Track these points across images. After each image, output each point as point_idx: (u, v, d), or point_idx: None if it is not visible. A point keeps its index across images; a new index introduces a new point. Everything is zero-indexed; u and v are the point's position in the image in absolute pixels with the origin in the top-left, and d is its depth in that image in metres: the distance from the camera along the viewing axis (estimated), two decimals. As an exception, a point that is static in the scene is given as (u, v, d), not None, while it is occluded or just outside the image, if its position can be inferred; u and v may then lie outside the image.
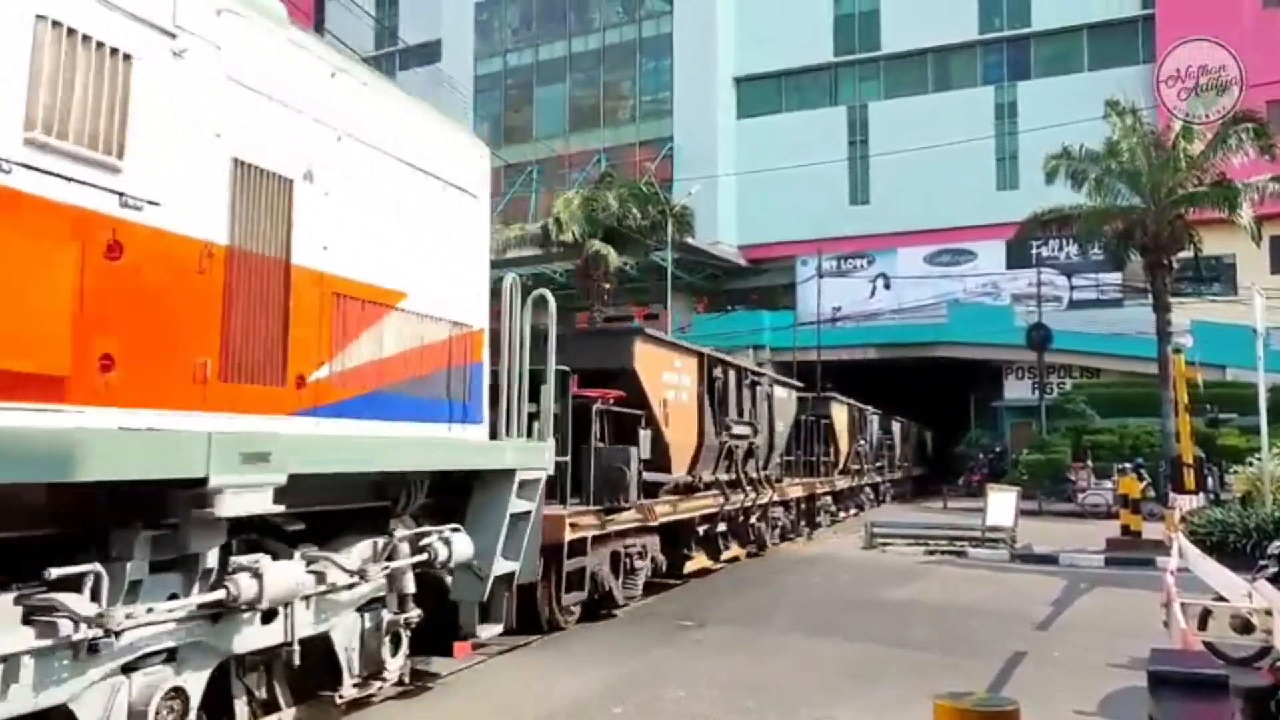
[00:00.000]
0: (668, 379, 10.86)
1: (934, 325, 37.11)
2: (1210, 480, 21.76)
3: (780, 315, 40.02)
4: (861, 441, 24.12)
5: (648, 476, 10.03)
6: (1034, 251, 35.31)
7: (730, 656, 8.32)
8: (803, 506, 18.13)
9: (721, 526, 13.12)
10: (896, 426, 32.04)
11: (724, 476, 12.80)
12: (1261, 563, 8.34)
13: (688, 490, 11.72)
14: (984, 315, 36.62)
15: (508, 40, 47.79)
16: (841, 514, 22.38)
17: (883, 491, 28.97)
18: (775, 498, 15.46)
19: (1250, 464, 17.24)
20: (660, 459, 10.56)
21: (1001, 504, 17.12)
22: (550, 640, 8.70)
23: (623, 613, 10.13)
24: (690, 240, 34.29)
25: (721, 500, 12.65)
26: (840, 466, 21.78)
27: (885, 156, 39.42)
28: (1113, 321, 34.05)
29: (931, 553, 16.29)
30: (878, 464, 27.58)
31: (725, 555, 13.70)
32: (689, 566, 12.39)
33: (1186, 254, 27.11)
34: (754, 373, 14.66)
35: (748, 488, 13.58)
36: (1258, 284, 16.37)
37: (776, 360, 36.86)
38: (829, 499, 20.70)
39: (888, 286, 40.01)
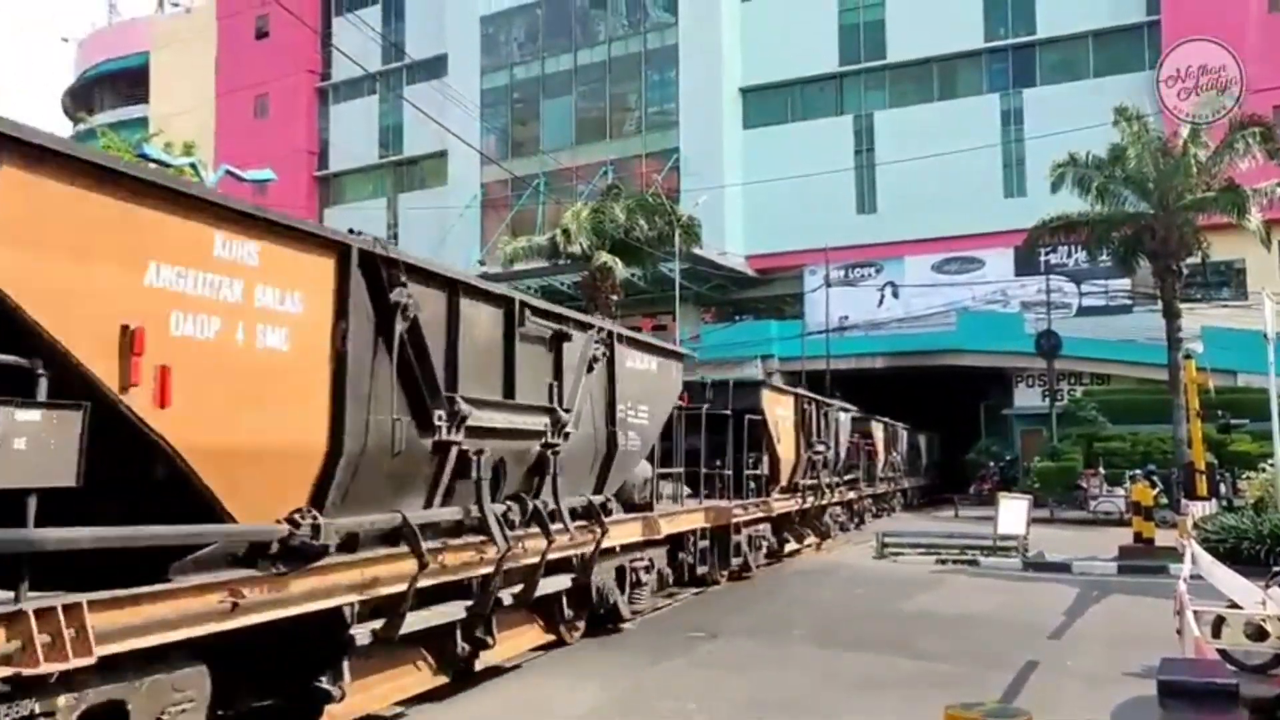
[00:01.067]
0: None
1: (943, 333, 37.00)
2: (1223, 486, 21.70)
3: (788, 325, 39.97)
4: (821, 447, 18.00)
5: None
6: (1042, 259, 35.22)
7: (742, 668, 8.29)
8: (700, 546, 12.14)
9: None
10: (879, 429, 27.33)
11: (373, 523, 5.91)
12: (1275, 569, 8.29)
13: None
14: (993, 323, 36.52)
15: (514, 54, 47.94)
16: (790, 545, 16.76)
17: (860, 509, 24.20)
18: (606, 544, 8.82)
19: (1263, 469, 17.18)
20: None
21: (1013, 512, 17.04)
22: (555, 655, 8.68)
23: (631, 625, 10.11)
24: (697, 251, 34.27)
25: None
26: (783, 482, 15.84)
27: (892, 165, 39.37)
28: (1122, 328, 33.96)
29: (943, 562, 16.22)
30: (849, 476, 22.13)
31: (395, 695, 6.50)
32: None
33: (1195, 260, 27.05)
34: (560, 317, 8.15)
35: (483, 539, 6.84)
36: (1268, 288, 16.30)
37: (785, 370, 36.83)
38: (764, 527, 15.01)
39: (896, 295, 39.93)
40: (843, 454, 20.82)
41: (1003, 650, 8.91)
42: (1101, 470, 27.59)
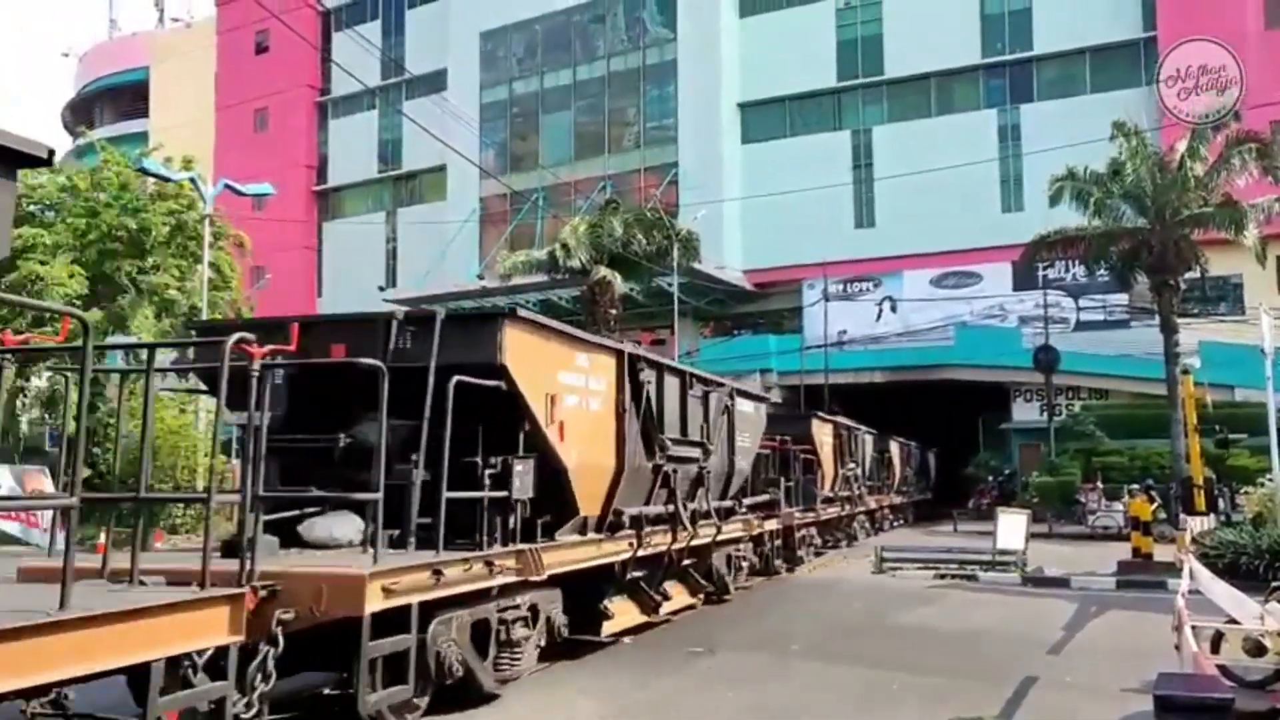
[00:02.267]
0: None
1: (941, 348, 37.04)
2: (1221, 501, 21.70)
3: (787, 339, 40.01)
4: (690, 452, 11.08)
5: None
6: (1040, 273, 35.28)
7: (742, 683, 8.27)
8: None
9: None
10: (825, 432, 20.76)
11: None
12: (1274, 584, 8.31)
13: None
14: (991, 337, 36.56)
15: (513, 69, 48.13)
16: (628, 617, 10.01)
17: (794, 542, 17.18)
18: None
19: (1261, 484, 17.19)
20: None
21: (1012, 527, 17.01)
22: (557, 668, 8.66)
23: (630, 639, 10.09)
24: (696, 265, 34.34)
25: None
26: (590, 512, 8.90)
27: (890, 180, 39.49)
28: (1120, 343, 33.97)
29: (942, 577, 16.17)
30: (760, 498, 15.43)
31: None
32: None
33: (1193, 274, 27.10)
34: None
35: None
36: (1265, 304, 16.36)
37: (784, 384, 36.86)
38: (527, 601, 7.67)
39: (894, 309, 39.97)
40: (744, 465, 13.76)
41: (1001, 664, 8.89)
42: (1100, 485, 27.58)
